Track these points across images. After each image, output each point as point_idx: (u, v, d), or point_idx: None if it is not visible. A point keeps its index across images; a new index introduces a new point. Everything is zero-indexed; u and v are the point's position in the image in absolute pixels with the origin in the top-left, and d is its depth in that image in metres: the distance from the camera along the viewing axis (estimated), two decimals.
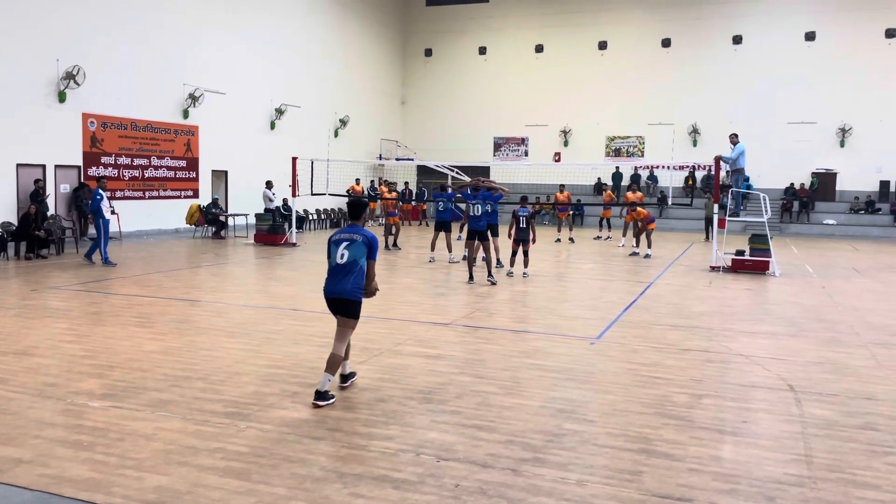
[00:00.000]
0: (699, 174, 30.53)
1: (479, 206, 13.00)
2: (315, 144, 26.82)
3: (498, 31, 34.93)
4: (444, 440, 5.06)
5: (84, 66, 18.82)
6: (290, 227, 20.56)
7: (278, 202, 22.66)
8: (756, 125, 29.62)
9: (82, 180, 19.18)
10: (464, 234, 16.01)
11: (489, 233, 13.60)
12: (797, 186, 30.26)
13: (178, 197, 22.76)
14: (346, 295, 5.98)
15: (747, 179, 26.10)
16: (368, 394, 6.11)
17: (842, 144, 30.09)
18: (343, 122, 31.34)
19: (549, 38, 34.09)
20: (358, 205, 6.26)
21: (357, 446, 4.92)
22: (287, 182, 21.66)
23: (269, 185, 22.36)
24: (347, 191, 26.89)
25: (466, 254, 14.00)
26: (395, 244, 19.08)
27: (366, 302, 9.17)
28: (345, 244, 6.02)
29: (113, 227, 19.82)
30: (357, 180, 28.49)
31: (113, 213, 19.35)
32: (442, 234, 16.35)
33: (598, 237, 23.78)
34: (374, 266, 6.07)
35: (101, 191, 14.66)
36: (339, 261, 6.01)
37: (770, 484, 4.44)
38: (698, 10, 31.74)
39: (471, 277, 13.04)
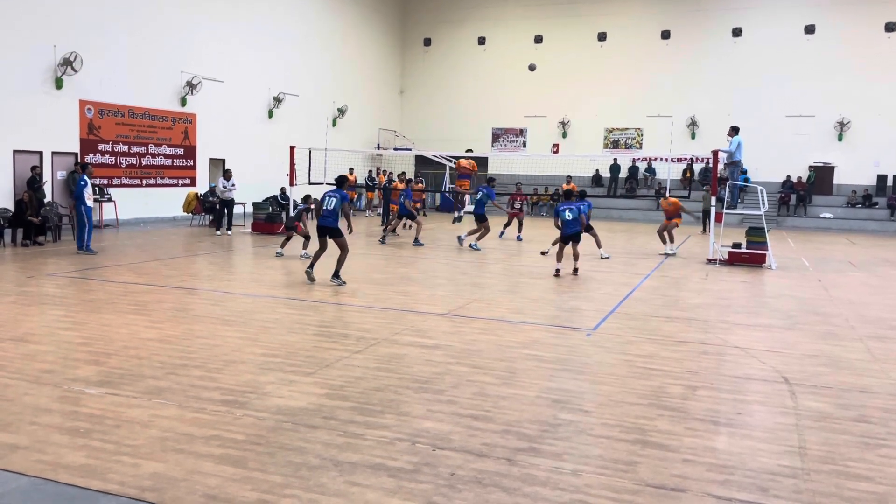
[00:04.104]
0: (697, 167, 30.53)
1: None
2: (313, 133, 26.77)
3: (497, 22, 34.82)
4: (440, 429, 5.08)
5: (81, 53, 18.73)
6: (287, 216, 20.54)
7: (233, 194, 19.45)
8: (754, 118, 29.60)
9: (77, 162, 19.09)
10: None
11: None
12: (794, 180, 30.27)
13: (176, 185, 22.72)
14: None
15: (745, 172, 26.11)
16: (365, 383, 6.13)
17: (840, 138, 30.08)
18: (341, 112, 31.26)
19: (549, 29, 33.98)
20: None
21: (353, 435, 4.93)
22: (285, 171, 21.60)
23: (226, 174, 19.70)
24: None
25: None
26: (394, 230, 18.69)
27: (362, 291, 9.05)
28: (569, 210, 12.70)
29: (109, 215, 19.89)
30: (350, 169, 28.43)
31: (97, 200, 19.34)
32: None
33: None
34: None
35: (85, 177, 14.47)
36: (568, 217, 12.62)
37: (764, 475, 4.47)
38: (698, 1, 31.65)
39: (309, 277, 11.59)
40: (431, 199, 34.41)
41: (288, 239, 15.04)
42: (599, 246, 15.83)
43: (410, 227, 18.26)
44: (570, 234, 12.97)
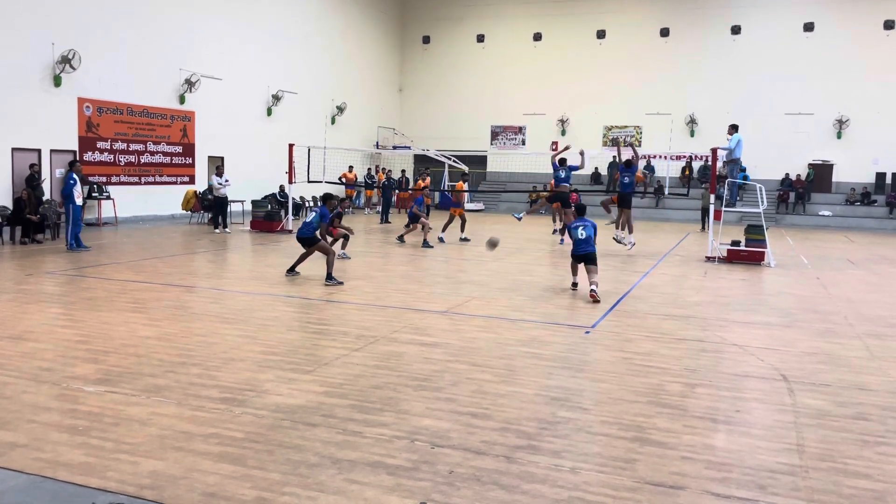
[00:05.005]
0: (696, 164, 30.51)
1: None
2: (312, 131, 26.75)
3: (496, 19, 34.79)
4: (439, 427, 5.08)
5: (80, 51, 18.71)
6: (286, 213, 20.55)
7: (226, 190, 19.29)
8: (753, 116, 29.59)
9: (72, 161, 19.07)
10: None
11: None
12: (794, 177, 30.29)
13: (175, 183, 22.70)
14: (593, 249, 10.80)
15: (744, 170, 26.11)
16: (364, 381, 6.13)
17: (839, 136, 30.09)
18: (340, 110, 31.24)
19: (548, 27, 33.97)
20: None
21: (352, 432, 4.93)
22: (284, 169, 21.60)
23: (218, 171, 19.65)
24: (340, 178, 26.84)
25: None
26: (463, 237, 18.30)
27: (361, 289, 8.87)
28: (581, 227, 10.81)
29: (108, 213, 19.87)
30: (350, 167, 28.42)
31: (94, 198, 19.33)
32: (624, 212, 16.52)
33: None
34: None
35: (74, 175, 14.41)
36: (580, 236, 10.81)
37: (762, 473, 4.47)
38: None
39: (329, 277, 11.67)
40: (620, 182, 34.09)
41: (340, 239, 14.54)
42: (622, 228, 16.27)
43: (411, 228, 18.20)
44: (581, 255, 10.92)
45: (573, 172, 17.14)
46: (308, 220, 11.90)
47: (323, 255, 11.54)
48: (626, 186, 16.35)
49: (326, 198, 12.28)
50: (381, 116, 35.08)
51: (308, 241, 11.62)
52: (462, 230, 18.48)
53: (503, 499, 4.02)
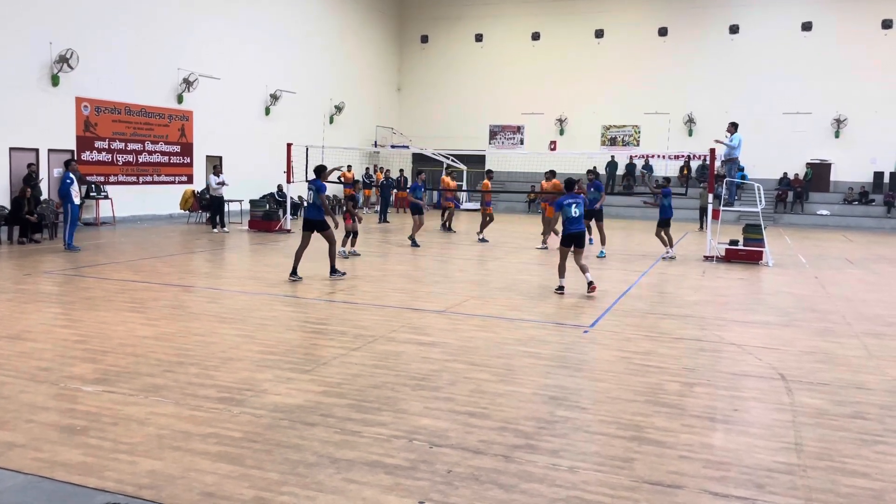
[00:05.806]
0: (694, 164, 30.53)
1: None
2: (310, 130, 26.76)
3: (494, 18, 34.79)
4: (437, 426, 5.08)
5: (78, 50, 18.68)
6: (284, 213, 20.53)
7: (223, 190, 19.30)
8: (751, 115, 29.59)
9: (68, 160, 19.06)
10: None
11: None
12: (791, 177, 30.32)
13: (173, 182, 22.68)
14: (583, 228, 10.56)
15: (742, 169, 26.13)
16: (362, 380, 6.13)
17: (837, 135, 30.12)
18: (338, 109, 31.23)
19: (546, 26, 33.98)
20: None
21: (350, 432, 4.93)
22: (282, 168, 21.59)
23: (215, 170, 19.56)
24: (339, 178, 26.81)
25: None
26: (449, 227, 20.64)
27: (360, 288, 8.85)
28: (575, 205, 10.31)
29: (106, 212, 19.86)
30: (349, 167, 28.40)
31: (92, 197, 19.32)
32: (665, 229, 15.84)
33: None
34: None
35: (70, 174, 14.38)
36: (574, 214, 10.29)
37: (760, 471, 4.48)
38: None
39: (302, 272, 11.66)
40: (429, 196, 34.37)
41: (350, 236, 14.56)
42: (666, 245, 15.54)
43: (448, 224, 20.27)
44: (574, 233, 10.50)
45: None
46: (310, 201, 11.30)
47: (326, 243, 11.22)
48: (668, 210, 15.46)
49: (319, 170, 11.68)
50: (380, 116, 35.06)
51: (317, 223, 11.12)
52: (481, 230, 18.55)
53: (501, 498, 4.02)
